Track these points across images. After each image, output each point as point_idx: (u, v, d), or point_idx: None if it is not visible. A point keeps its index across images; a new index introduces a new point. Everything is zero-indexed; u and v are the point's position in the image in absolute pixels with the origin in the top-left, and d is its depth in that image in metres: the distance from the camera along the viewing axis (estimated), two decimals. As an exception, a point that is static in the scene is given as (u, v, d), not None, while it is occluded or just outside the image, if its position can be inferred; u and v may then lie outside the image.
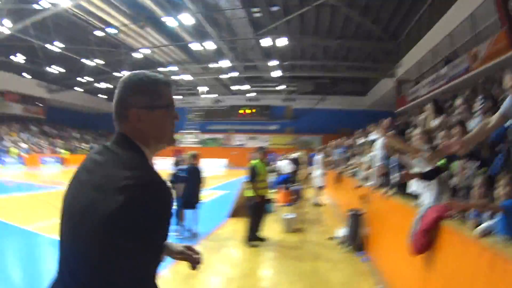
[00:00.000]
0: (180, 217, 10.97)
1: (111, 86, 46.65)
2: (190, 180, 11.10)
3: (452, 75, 22.73)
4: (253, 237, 10.41)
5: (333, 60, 38.01)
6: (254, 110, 55.63)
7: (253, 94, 52.52)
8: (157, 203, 1.69)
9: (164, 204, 1.73)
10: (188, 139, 52.21)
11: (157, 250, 1.75)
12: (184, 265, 2.35)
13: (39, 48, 35.61)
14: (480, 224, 4.13)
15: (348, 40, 33.40)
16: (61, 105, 55.09)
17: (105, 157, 1.82)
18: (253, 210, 10.52)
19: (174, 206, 9.77)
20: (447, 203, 4.87)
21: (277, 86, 50.12)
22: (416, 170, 6.54)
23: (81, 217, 1.67)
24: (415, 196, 6.72)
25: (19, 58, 40.53)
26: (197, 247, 2.28)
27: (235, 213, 13.49)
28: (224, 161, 48.89)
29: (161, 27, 31.04)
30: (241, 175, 14.79)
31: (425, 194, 6.05)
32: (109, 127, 59.73)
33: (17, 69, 45.43)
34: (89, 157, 1.91)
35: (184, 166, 11.54)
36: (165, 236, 1.76)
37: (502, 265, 3.32)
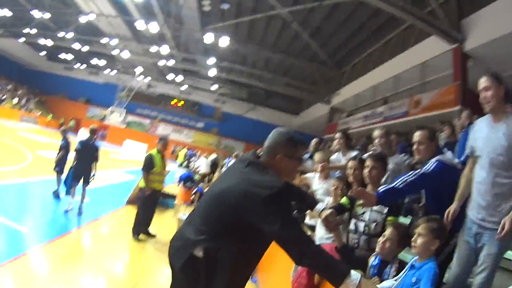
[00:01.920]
0: (71, 192, 10.96)
1: (52, 44, 44.32)
2: (83, 153, 11.21)
3: (388, 116, 22.77)
4: (140, 231, 9.98)
5: (272, 73, 37.73)
6: (183, 103, 55.02)
7: (186, 87, 51.78)
8: (280, 198, 2.84)
9: (281, 199, 2.87)
10: (113, 118, 50.01)
11: (275, 226, 2.79)
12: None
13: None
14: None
15: (291, 57, 33.09)
16: (-1, 51, 52.14)
17: (253, 169, 3.03)
18: (144, 202, 10.13)
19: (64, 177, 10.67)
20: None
21: (211, 85, 49.52)
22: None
23: (231, 195, 2.91)
24: (312, 228, 6.42)
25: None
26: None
27: (132, 201, 12.94)
28: (145, 147, 45.28)
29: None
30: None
31: (318, 228, 5.83)
32: (46, 89, 57.73)
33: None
34: (240, 162, 3.21)
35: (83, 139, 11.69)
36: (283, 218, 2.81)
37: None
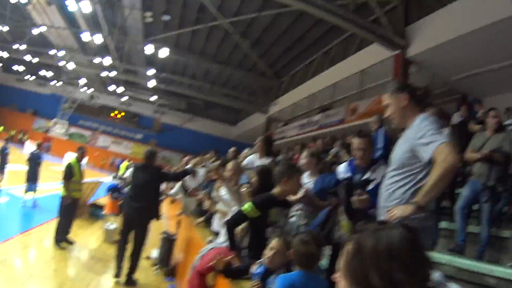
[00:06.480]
0: None
1: (7, 56, 43.56)
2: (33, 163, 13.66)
3: (324, 123, 23.51)
4: (62, 239, 10.21)
5: (211, 84, 38.49)
6: (123, 114, 54.79)
7: (126, 98, 51.34)
8: None
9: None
10: (56, 129, 49.95)
11: None
12: None
13: None
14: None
15: (231, 68, 33.86)
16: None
17: None
18: (64, 210, 10.34)
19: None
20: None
21: (151, 96, 49.50)
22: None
23: None
24: (216, 234, 6.42)
25: None
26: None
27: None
28: (85, 159, 45.11)
29: (64, 9, 29.68)
30: (95, 176, 14.58)
31: (222, 233, 5.59)
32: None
33: None
34: None
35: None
36: None
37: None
